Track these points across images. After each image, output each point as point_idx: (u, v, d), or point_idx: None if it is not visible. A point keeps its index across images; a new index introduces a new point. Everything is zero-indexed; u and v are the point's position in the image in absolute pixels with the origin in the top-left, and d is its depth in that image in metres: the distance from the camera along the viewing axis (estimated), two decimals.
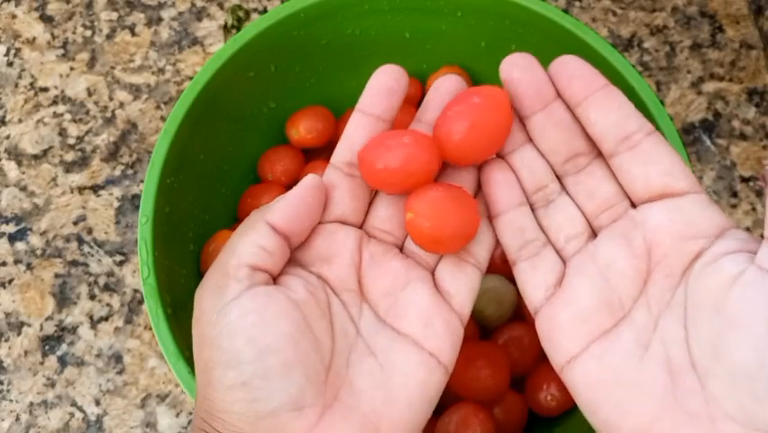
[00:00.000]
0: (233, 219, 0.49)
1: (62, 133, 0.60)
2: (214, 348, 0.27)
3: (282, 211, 0.30)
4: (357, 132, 0.31)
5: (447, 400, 0.43)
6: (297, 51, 0.47)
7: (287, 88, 0.49)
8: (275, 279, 0.30)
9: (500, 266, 0.45)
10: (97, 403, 0.52)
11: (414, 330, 0.30)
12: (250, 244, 0.29)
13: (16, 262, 0.56)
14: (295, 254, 0.31)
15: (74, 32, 0.64)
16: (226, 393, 0.27)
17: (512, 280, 0.45)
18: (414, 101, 0.51)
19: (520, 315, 0.45)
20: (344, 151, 0.32)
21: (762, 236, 0.27)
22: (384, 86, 0.31)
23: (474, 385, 0.40)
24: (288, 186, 0.50)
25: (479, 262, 0.32)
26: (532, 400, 0.43)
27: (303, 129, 0.49)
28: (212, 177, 0.47)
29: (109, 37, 0.64)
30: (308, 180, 0.30)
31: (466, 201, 0.30)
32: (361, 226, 0.32)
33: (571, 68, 0.30)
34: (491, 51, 0.49)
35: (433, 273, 0.32)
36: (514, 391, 0.43)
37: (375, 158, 0.30)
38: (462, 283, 0.31)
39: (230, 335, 0.27)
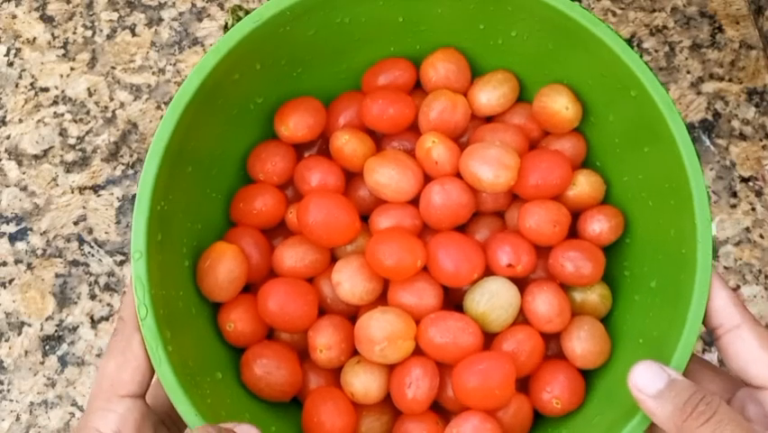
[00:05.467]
0: (227, 224, 0.47)
1: (63, 133, 0.60)
2: None
3: None
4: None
5: (453, 409, 0.42)
6: (283, 46, 0.45)
7: (273, 82, 0.46)
8: None
9: (504, 270, 0.44)
10: None
11: None
12: None
13: (17, 261, 0.56)
14: None
15: (74, 33, 0.64)
16: None
17: (515, 282, 0.45)
18: (409, 86, 0.48)
19: (523, 318, 0.44)
20: None
21: None
22: None
23: (480, 396, 0.39)
24: (281, 186, 0.47)
25: None
26: (536, 400, 0.42)
27: (292, 125, 0.46)
28: (202, 184, 0.44)
29: (110, 37, 0.64)
30: None
31: None
32: None
33: None
34: (490, 34, 0.47)
35: None
36: (519, 393, 0.42)
37: None
38: None
39: None
